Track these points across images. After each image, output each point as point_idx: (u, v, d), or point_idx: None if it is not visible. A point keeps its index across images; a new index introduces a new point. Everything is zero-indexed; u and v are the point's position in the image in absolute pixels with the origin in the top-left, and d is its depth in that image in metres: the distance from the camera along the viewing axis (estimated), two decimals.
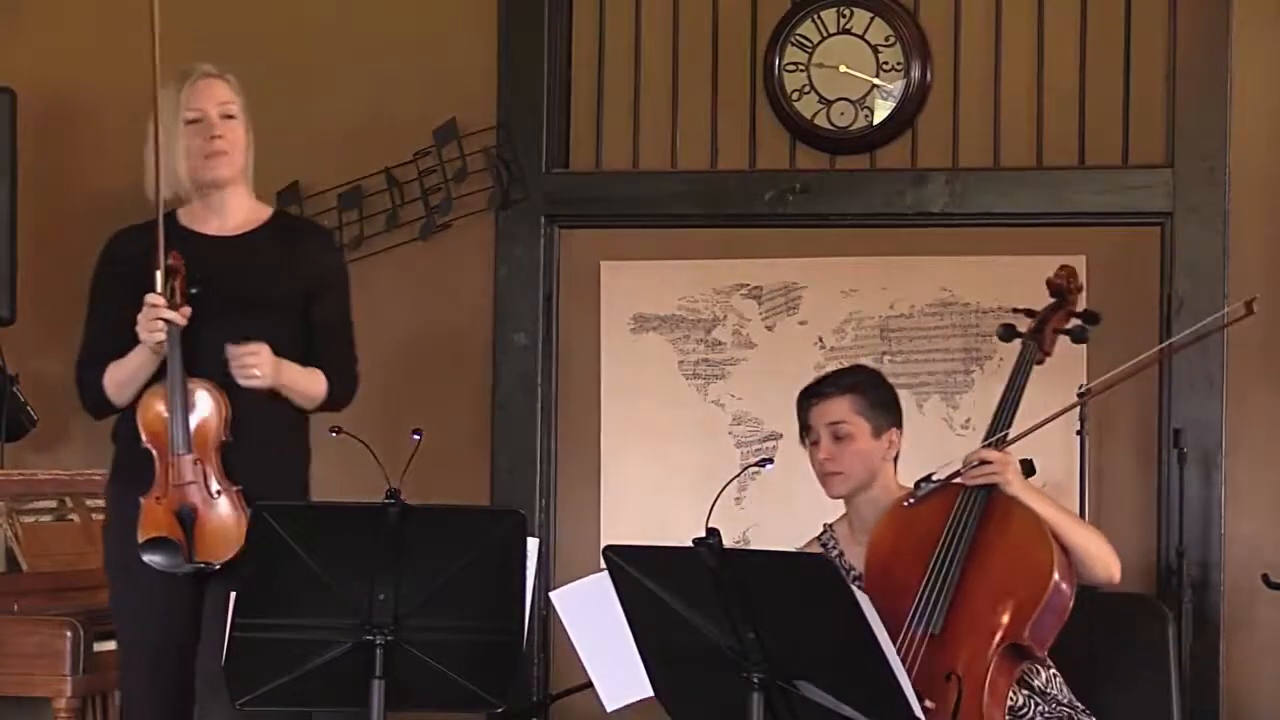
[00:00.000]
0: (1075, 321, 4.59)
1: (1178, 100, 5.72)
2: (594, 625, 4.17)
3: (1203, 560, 5.60)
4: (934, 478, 4.42)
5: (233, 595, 4.02)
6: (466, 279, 6.04)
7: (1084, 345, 4.75)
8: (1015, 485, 4.36)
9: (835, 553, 4.65)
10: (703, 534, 3.71)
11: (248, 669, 4.04)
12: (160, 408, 4.50)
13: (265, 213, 4.76)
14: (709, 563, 3.72)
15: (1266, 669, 5.64)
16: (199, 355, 4.53)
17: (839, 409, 4.56)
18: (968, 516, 4.36)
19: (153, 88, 4.59)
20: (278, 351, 4.58)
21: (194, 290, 4.50)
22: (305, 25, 6.15)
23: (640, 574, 3.84)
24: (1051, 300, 4.61)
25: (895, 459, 4.61)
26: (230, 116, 4.67)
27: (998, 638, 4.27)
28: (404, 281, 6.05)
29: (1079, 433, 5.42)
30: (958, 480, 4.41)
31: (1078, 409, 5.10)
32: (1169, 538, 5.60)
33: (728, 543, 3.72)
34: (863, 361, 5.15)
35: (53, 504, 5.33)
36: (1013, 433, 4.43)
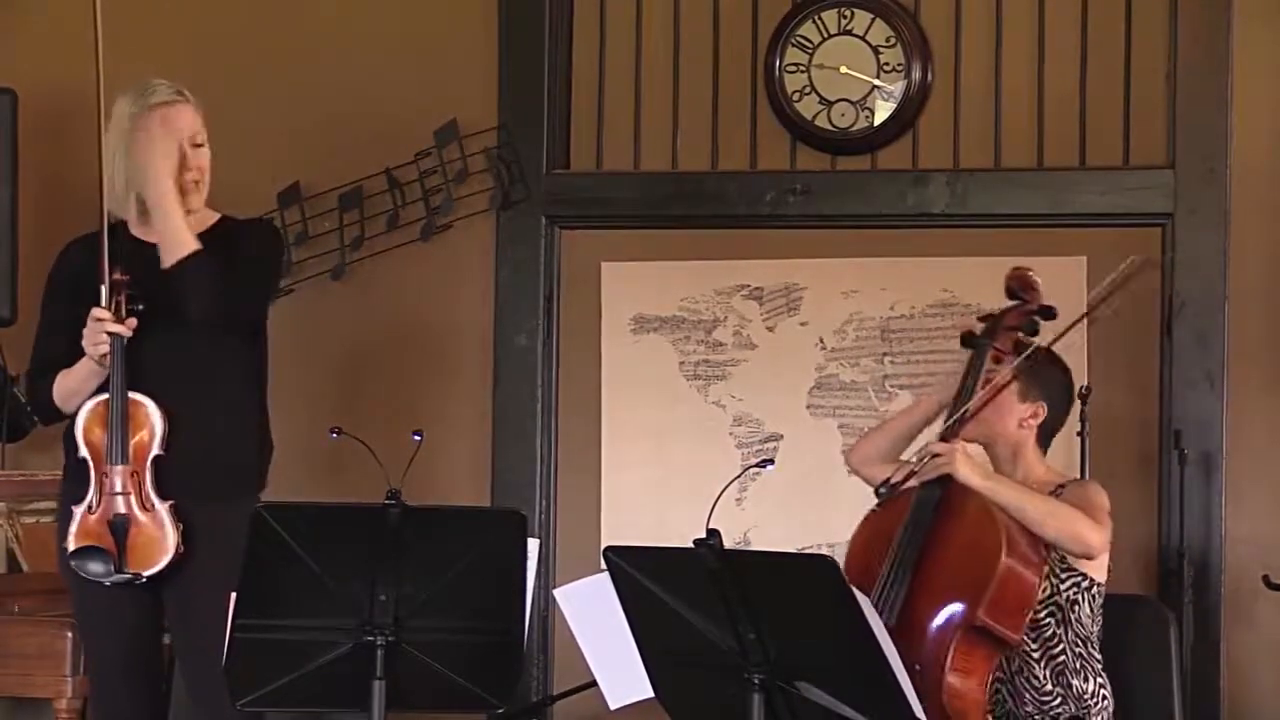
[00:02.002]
0: (1027, 320, 4.63)
1: (1178, 101, 5.72)
2: (598, 623, 4.18)
3: (1203, 561, 5.60)
4: (891, 480, 4.45)
5: (233, 595, 4.03)
6: (467, 280, 6.04)
7: (1046, 339, 4.74)
8: (964, 471, 4.40)
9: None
10: (703, 535, 3.71)
11: (248, 670, 4.04)
12: (99, 419, 4.55)
13: (212, 219, 4.77)
14: (709, 563, 3.72)
15: (1267, 669, 5.65)
16: (146, 362, 4.56)
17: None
18: (923, 510, 4.42)
19: (97, 100, 4.62)
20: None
21: (139, 307, 4.54)
22: (306, 25, 6.15)
23: (641, 575, 3.84)
24: (1010, 303, 4.65)
25: (1041, 437, 4.61)
26: (199, 145, 4.69)
27: (951, 623, 4.30)
28: (405, 282, 6.06)
29: (1080, 434, 5.43)
30: (914, 478, 4.45)
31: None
32: (1170, 539, 5.60)
33: (728, 543, 3.72)
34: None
35: (53, 504, 5.32)
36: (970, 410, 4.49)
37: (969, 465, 4.41)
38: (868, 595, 4.32)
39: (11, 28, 6.22)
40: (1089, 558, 4.45)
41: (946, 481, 4.43)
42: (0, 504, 5.46)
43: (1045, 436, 4.64)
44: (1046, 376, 4.63)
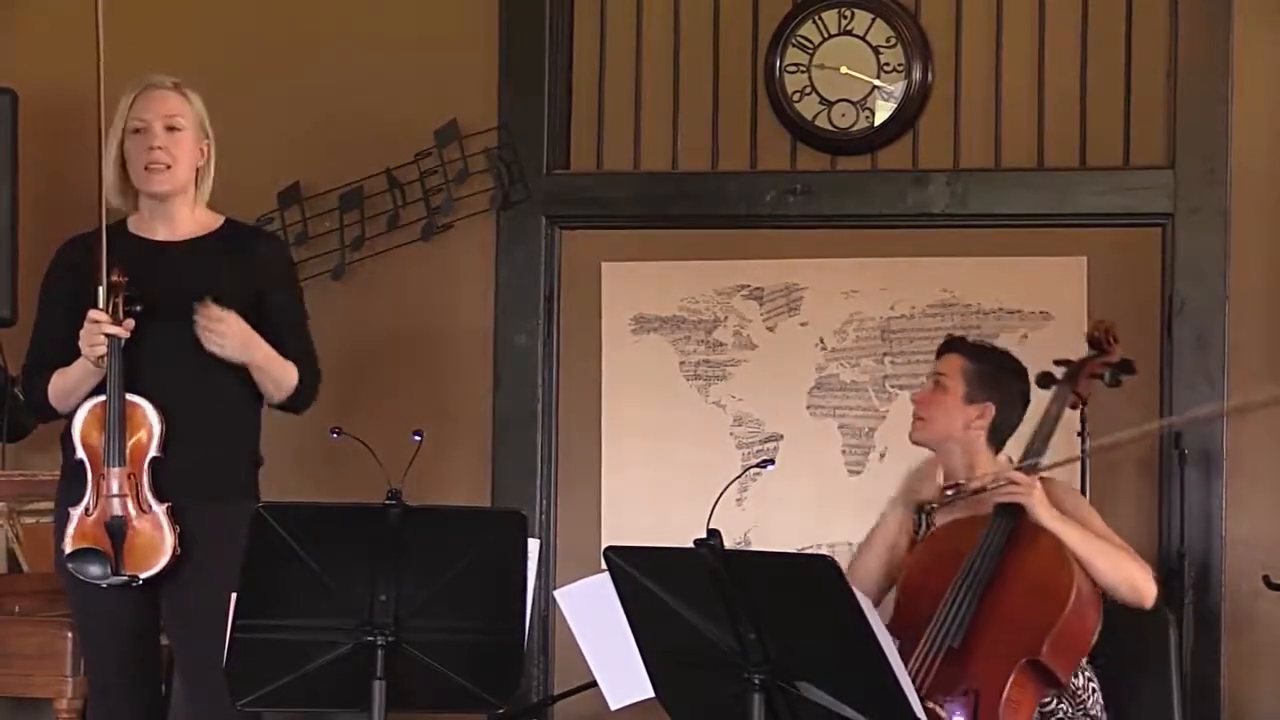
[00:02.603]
0: (1109, 370, 4.73)
1: (1179, 101, 5.72)
2: (598, 624, 4.18)
3: (1204, 562, 5.60)
4: (961, 486, 4.53)
5: (233, 596, 4.02)
6: (468, 280, 6.04)
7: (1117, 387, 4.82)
8: (1039, 508, 4.43)
9: (929, 506, 4.71)
10: (703, 535, 3.71)
11: (248, 670, 4.03)
12: (97, 421, 4.55)
13: (216, 221, 4.77)
14: (710, 564, 3.71)
15: (1267, 670, 5.64)
16: (145, 361, 4.56)
17: (949, 364, 4.68)
18: (995, 537, 4.44)
19: (98, 97, 4.61)
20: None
21: (137, 307, 4.54)
22: (306, 25, 6.14)
23: (641, 575, 3.84)
24: (1090, 352, 4.72)
25: (992, 436, 4.64)
26: (175, 129, 4.67)
27: (1015, 654, 4.33)
28: (405, 282, 6.05)
29: (1080, 434, 5.42)
30: (984, 495, 4.50)
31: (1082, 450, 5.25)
32: (1170, 539, 5.60)
33: (728, 543, 3.72)
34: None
35: (53, 504, 5.33)
36: (1045, 462, 4.54)
37: (1043, 503, 4.44)
38: (925, 611, 4.41)
39: (11, 28, 6.22)
40: (1142, 606, 4.48)
41: (1018, 513, 4.45)
42: (0, 504, 5.46)
43: (996, 436, 4.66)
44: (994, 378, 4.65)
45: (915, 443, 4.69)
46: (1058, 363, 4.71)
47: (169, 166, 4.65)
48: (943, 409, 4.63)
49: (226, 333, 4.57)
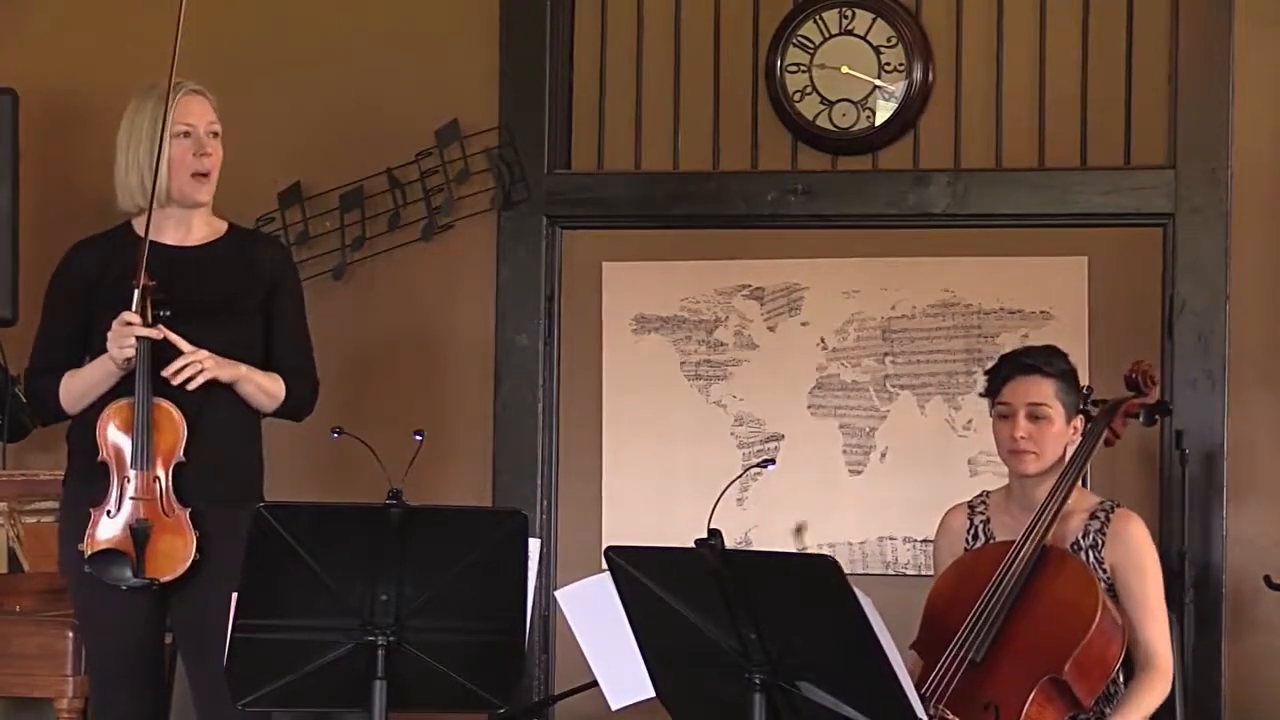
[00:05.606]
0: (1145, 411, 4.73)
1: (1179, 101, 5.72)
2: (599, 624, 4.18)
3: (1204, 561, 5.60)
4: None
5: (234, 596, 4.02)
6: (468, 280, 6.04)
7: (1149, 410, 4.80)
8: None
9: (982, 518, 4.68)
10: (704, 535, 3.71)
11: (249, 670, 4.03)
12: (123, 423, 4.53)
13: (222, 226, 4.78)
14: (711, 564, 3.71)
15: (1268, 670, 5.64)
16: (160, 365, 4.54)
17: (1045, 390, 4.56)
18: (1024, 557, 4.44)
19: (165, 97, 4.61)
20: (241, 356, 4.62)
21: (164, 312, 4.53)
22: (307, 26, 6.15)
23: (642, 575, 3.84)
24: (1128, 392, 4.72)
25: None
26: (216, 135, 4.69)
27: (1037, 671, 4.32)
28: (406, 282, 6.06)
29: (1082, 434, 5.42)
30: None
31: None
32: (1171, 539, 5.60)
33: (729, 543, 3.72)
34: (868, 360, 5.04)
35: (53, 504, 5.33)
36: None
37: None
38: (952, 625, 4.41)
39: (12, 28, 6.22)
40: None
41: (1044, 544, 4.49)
42: (0, 504, 5.46)
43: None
44: (1074, 386, 4.63)
45: (1026, 475, 4.56)
46: (1095, 402, 4.68)
47: (211, 174, 4.68)
48: (1053, 438, 4.55)
49: (202, 359, 4.54)
